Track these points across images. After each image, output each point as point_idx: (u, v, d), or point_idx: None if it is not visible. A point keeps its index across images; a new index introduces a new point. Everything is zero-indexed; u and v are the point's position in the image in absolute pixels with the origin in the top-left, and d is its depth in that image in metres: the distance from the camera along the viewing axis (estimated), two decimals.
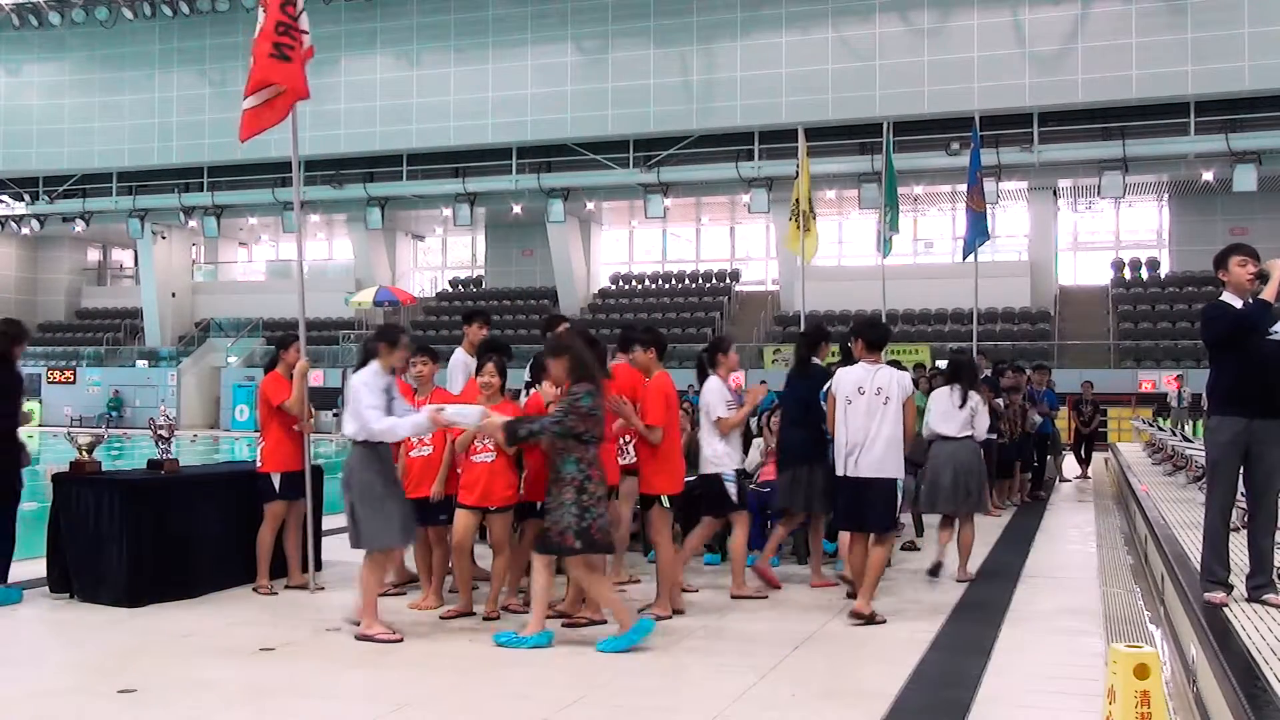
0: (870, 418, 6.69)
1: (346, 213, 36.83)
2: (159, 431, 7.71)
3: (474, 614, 6.70)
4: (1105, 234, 35.93)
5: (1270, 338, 5.74)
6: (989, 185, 25.94)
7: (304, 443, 7.67)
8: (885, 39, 28.90)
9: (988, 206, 15.05)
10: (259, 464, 7.58)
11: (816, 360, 8.08)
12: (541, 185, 32.78)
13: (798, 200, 13.10)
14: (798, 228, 13.13)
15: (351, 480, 6.24)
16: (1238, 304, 5.79)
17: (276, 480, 7.53)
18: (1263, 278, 5.79)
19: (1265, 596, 5.74)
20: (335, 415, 34.18)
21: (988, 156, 24.64)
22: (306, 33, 7.93)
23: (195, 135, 35.85)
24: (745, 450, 8.86)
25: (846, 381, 6.86)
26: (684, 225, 39.87)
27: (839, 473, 6.83)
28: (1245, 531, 6.08)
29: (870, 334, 6.97)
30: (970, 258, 16.39)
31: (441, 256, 44.16)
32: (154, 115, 36.44)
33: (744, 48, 30.17)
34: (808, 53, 29.46)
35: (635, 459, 7.12)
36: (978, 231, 15.10)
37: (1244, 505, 6.14)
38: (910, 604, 7.33)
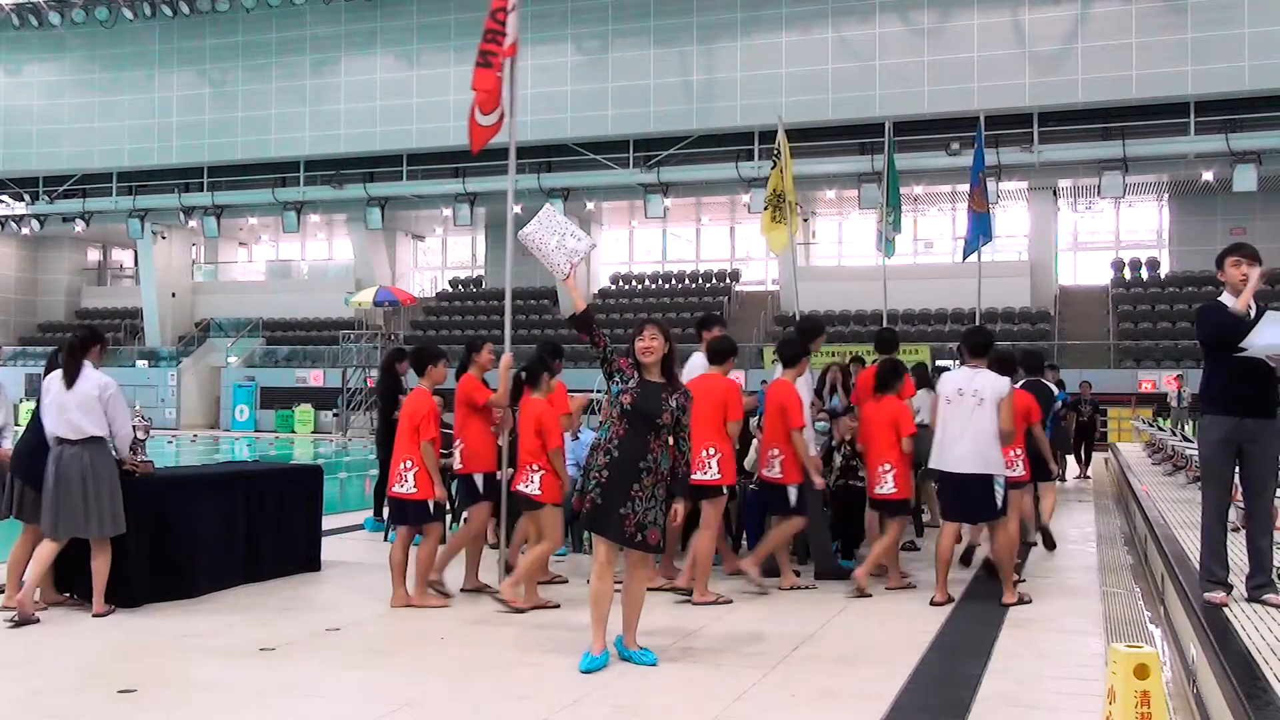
0: (967, 417, 7.12)
1: (346, 213, 36.84)
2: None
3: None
4: (1105, 234, 35.95)
5: (1239, 354, 5.67)
6: (989, 185, 25.96)
7: (497, 442, 7.66)
8: (885, 39, 28.90)
9: (989, 207, 14.94)
10: (458, 466, 7.47)
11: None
12: (541, 185, 32.77)
13: (776, 192, 12.86)
14: (773, 219, 12.95)
15: (101, 472, 6.63)
16: (1232, 303, 5.80)
17: (480, 481, 7.48)
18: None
19: (1265, 596, 5.74)
20: (335, 415, 34.23)
21: (988, 156, 24.64)
22: (506, 34, 8.29)
23: (195, 135, 35.88)
24: (745, 451, 8.89)
25: (949, 383, 7.38)
26: (684, 225, 39.89)
27: (934, 465, 7.33)
28: (1245, 532, 6.08)
29: (972, 339, 7.47)
30: (971, 257, 16.38)
31: (441, 256, 44.18)
32: (154, 115, 36.46)
33: (744, 48, 30.16)
34: (808, 53, 29.46)
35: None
36: (979, 231, 15.01)
37: (1243, 505, 6.15)
38: (910, 604, 7.33)
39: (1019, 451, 8.08)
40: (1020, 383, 9.50)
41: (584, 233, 6.72)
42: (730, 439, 7.31)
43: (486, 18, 8.17)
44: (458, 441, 7.51)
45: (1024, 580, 7.90)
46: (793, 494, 7.60)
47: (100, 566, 6.65)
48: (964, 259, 15.81)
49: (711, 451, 7.14)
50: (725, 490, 7.27)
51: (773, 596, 7.48)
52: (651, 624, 6.28)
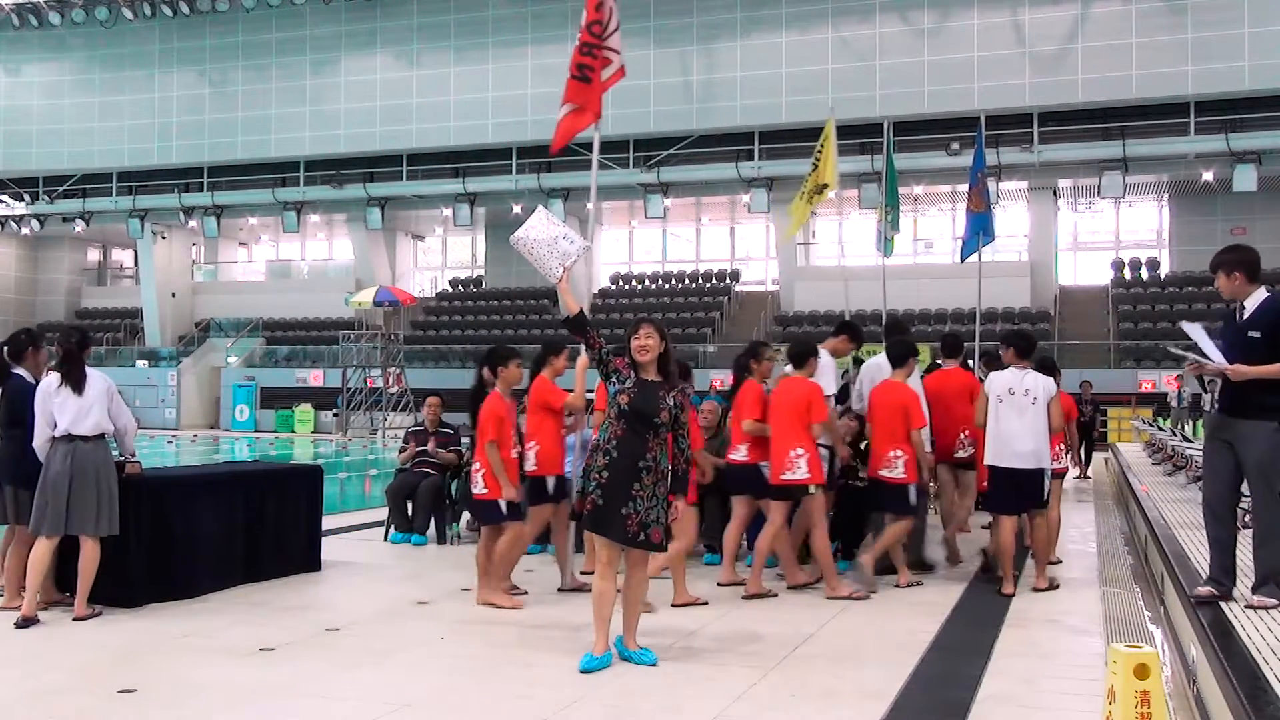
0: (1020, 416, 7.58)
1: (346, 213, 36.86)
2: None
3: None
4: (1105, 234, 35.96)
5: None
6: (989, 185, 25.89)
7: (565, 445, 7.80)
8: (885, 39, 28.90)
9: (988, 206, 14.82)
10: (534, 467, 7.48)
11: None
12: (541, 185, 32.79)
13: (819, 184, 12.43)
14: (806, 204, 12.42)
15: (112, 470, 6.71)
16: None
17: (551, 484, 7.55)
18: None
19: (1252, 599, 5.70)
20: (335, 415, 34.22)
21: (988, 156, 24.64)
22: (618, 52, 8.30)
23: (195, 135, 35.89)
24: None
25: (998, 383, 7.77)
26: (684, 225, 39.89)
27: (989, 463, 7.74)
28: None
29: (1019, 343, 7.88)
30: (971, 257, 16.32)
31: (441, 256, 44.20)
32: (154, 115, 36.47)
33: (744, 48, 30.17)
34: (808, 53, 29.47)
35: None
36: (978, 231, 14.89)
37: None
38: (910, 604, 7.33)
39: (1061, 446, 8.51)
40: None
41: (577, 234, 6.73)
42: (815, 439, 7.49)
43: (582, 30, 8.19)
44: (531, 443, 7.50)
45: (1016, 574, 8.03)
46: (913, 494, 7.90)
47: (90, 567, 6.61)
48: (962, 260, 15.71)
49: (799, 451, 7.37)
50: (815, 489, 7.44)
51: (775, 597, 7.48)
52: (651, 624, 6.27)
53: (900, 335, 8.71)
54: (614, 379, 5.71)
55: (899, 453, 7.81)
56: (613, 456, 5.57)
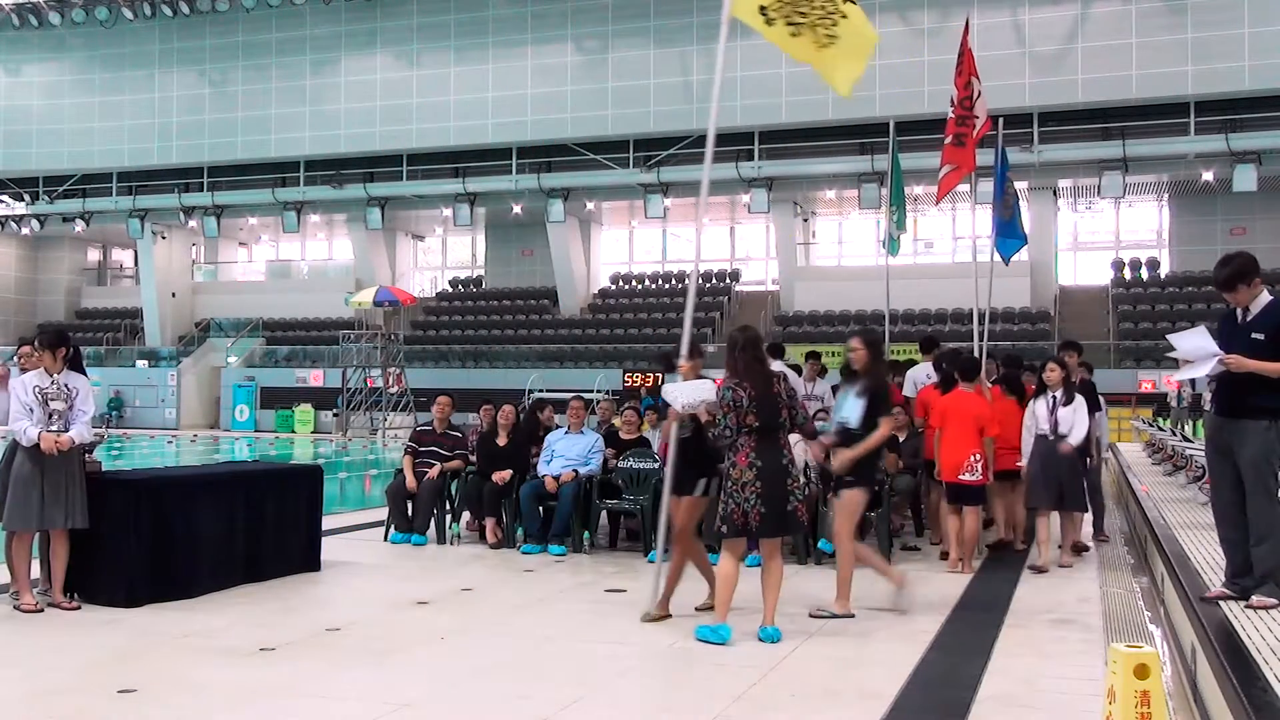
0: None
1: (346, 213, 36.87)
2: None
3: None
4: (1105, 234, 35.97)
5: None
6: (985, 185, 25.87)
7: None
8: (885, 39, 28.71)
9: (1016, 210, 14.83)
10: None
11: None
12: (541, 185, 32.79)
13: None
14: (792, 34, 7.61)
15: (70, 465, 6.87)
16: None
17: None
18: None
19: (1251, 599, 5.71)
20: (335, 415, 34.23)
21: (986, 156, 24.62)
22: (980, 116, 11.30)
23: (195, 135, 35.91)
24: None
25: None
26: (684, 225, 39.88)
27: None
28: None
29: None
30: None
31: (441, 256, 44.21)
32: (154, 115, 36.48)
33: (744, 48, 30.10)
34: None
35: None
36: (1009, 235, 14.88)
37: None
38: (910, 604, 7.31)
39: (978, 456, 8.43)
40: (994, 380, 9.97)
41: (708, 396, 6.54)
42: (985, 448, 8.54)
43: (955, 105, 11.15)
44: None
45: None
46: (987, 493, 8.89)
47: (62, 559, 6.93)
48: (1006, 263, 15.68)
49: (976, 458, 8.42)
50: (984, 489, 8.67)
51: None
52: (648, 628, 6.27)
53: (960, 354, 9.49)
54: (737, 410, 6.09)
55: (977, 456, 8.43)
56: (759, 467, 6.03)
